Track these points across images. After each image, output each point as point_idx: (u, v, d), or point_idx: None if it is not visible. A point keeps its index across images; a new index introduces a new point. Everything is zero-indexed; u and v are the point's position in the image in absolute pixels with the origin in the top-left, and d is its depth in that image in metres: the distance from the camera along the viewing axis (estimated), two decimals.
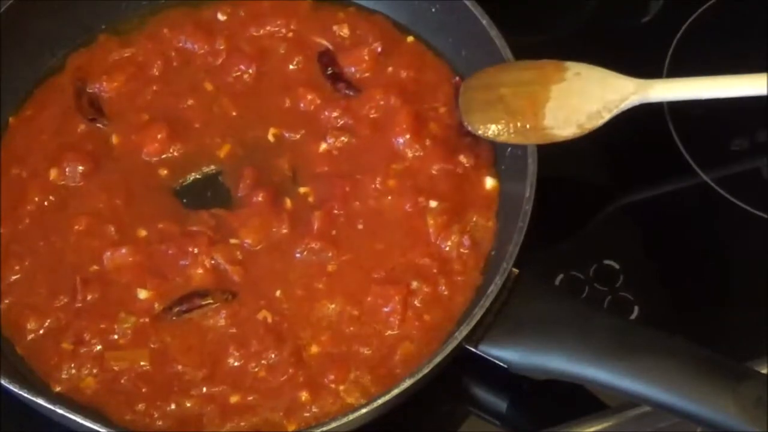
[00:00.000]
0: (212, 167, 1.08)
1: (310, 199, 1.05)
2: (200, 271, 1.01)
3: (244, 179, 1.06)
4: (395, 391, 0.90)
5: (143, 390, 0.96)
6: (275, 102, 1.11)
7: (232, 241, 1.02)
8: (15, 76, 1.11)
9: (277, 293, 1.00)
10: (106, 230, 1.03)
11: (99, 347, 0.97)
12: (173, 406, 0.95)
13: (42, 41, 1.13)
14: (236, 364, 0.97)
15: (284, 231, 1.03)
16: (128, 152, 1.08)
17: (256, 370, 0.97)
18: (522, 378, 0.95)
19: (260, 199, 1.04)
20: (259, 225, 1.03)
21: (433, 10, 1.14)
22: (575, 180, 1.15)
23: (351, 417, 0.90)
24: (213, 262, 1.01)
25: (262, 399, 0.95)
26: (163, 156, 1.08)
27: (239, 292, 1.00)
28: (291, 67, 1.13)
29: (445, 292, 1.00)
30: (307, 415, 0.94)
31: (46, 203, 1.05)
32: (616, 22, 1.27)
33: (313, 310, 0.99)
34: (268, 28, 1.16)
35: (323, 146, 1.08)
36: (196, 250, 1.01)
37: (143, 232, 1.03)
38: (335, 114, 1.09)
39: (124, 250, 1.01)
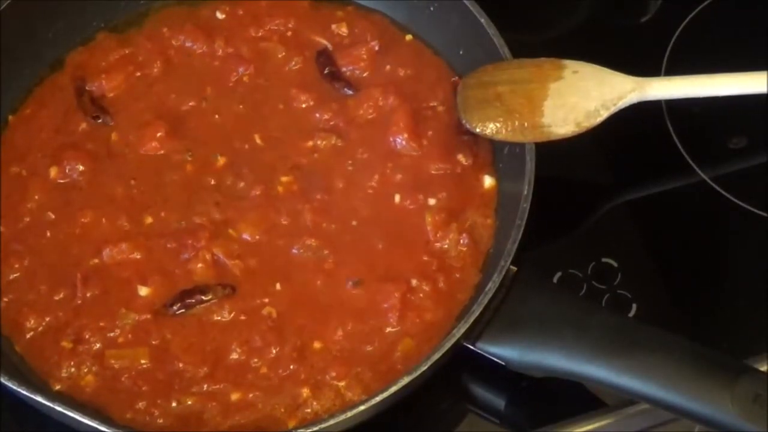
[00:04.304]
0: (210, 165, 1.08)
1: (295, 188, 1.05)
2: (200, 265, 1.01)
3: (242, 177, 1.06)
4: (393, 389, 0.90)
5: (144, 388, 0.96)
6: (271, 103, 1.11)
7: (231, 232, 1.03)
8: (14, 74, 1.11)
9: (277, 289, 1.00)
10: (109, 225, 1.03)
11: (99, 345, 0.97)
12: (174, 404, 0.95)
13: (41, 40, 1.13)
14: (238, 360, 0.97)
15: (284, 222, 1.03)
16: (128, 150, 1.08)
17: (258, 366, 0.97)
18: (520, 376, 0.96)
19: (258, 193, 1.04)
20: (257, 218, 1.03)
21: (432, 8, 1.14)
22: (573, 178, 1.15)
23: (349, 414, 0.90)
24: (213, 256, 1.01)
25: (263, 396, 0.95)
26: (162, 152, 1.08)
27: (239, 287, 1.00)
28: (289, 67, 1.14)
29: (445, 290, 1.00)
30: (308, 411, 0.95)
31: (46, 201, 1.05)
32: (615, 20, 1.27)
33: (314, 307, 0.99)
34: (267, 27, 1.16)
35: (309, 143, 1.08)
36: (196, 244, 1.01)
37: (149, 219, 1.04)
38: (326, 116, 1.10)
39: (124, 246, 1.02)
